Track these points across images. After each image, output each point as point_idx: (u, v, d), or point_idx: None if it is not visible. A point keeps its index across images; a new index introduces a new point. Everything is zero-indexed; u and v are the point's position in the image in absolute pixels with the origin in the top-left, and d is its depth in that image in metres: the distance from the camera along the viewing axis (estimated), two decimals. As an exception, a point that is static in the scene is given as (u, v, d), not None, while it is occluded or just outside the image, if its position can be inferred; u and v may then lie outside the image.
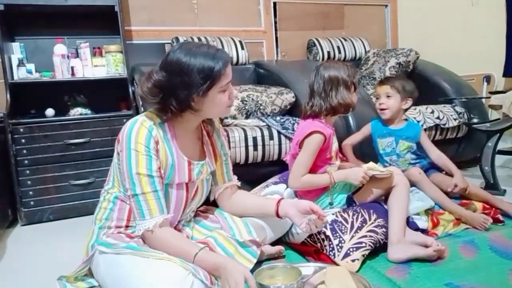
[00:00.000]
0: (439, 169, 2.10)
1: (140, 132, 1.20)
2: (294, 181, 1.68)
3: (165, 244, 1.21)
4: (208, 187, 1.47)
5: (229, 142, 2.09)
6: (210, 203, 1.56)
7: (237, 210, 1.48)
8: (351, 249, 1.47)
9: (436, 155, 2.09)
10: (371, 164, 1.74)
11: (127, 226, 1.30)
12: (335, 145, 1.80)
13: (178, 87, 1.19)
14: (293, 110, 2.52)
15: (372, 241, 1.51)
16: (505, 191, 2.28)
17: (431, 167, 2.10)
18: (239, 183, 1.54)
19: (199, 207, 1.53)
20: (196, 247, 1.21)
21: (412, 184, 1.88)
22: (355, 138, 2.19)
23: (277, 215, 1.41)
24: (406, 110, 2.13)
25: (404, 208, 1.58)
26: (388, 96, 2.06)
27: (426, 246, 1.48)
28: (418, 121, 2.51)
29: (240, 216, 1.47)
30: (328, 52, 3.29)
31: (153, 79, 1.20)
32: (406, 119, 2.18)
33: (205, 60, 1.19)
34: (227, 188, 1.49)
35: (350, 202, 1.68)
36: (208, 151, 1.43)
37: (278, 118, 2.39)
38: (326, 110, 1.71)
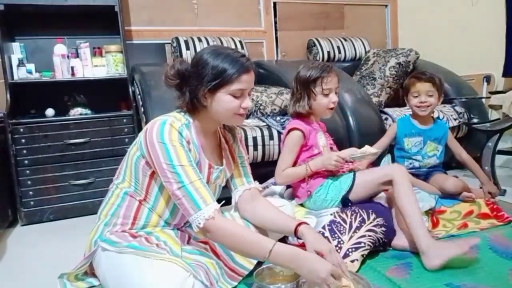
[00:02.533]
0: (440, 170, 2.10)
1: (171, 132, 1.20)
2: (277, 176, 1.76)
3: (234, 235, 1.17)
4: (219, 194, 1.46)
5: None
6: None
7: (254, 221, 1.43)
8: (350, 250, 1.47)
9: (464, 158, 2.10)
10: (351, 149, 1.71)
11: (133, 223, 1.29)
12: (321, 141, 1.80)
13: (191, 76, 1.25)
14: (293, 110, 2.52)
15: (371, 240, 1.51)
16: (505, 191, 2.28)
17: (434, 170, 2.10)
18: (259, 187, 1.51)
19: None
20: (269, 241, 1.17)
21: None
22: (383, 142, 2.11)
23: (296, 235, 1.34)
24: None
25: (416, 205, 1.50)
26: (429, 94, 2.01)
27: None
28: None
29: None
30: (328, 52, 3.29)
31: (177, 67, 1.26)
32: (433, 117, 2.15)
33: (222, 61, 1.22)
34: (246, 191, 1.45)
35: (346, 203, 1.68)
36: (227, 157, 1.43)
37: (278, 118, 2.39)
38: (295, 112, 1.77)
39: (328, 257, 1.19)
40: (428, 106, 2.02)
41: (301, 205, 1.80)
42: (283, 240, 1.62)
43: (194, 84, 1.24)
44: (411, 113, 2.14)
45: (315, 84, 1.71)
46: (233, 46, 2.95)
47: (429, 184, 2.04)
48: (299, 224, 1.31)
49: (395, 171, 1.58)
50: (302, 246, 1.55)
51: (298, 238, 1.32)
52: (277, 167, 1.75)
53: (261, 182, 1.99)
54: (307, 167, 1.70)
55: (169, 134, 1.19)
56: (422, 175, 2.09)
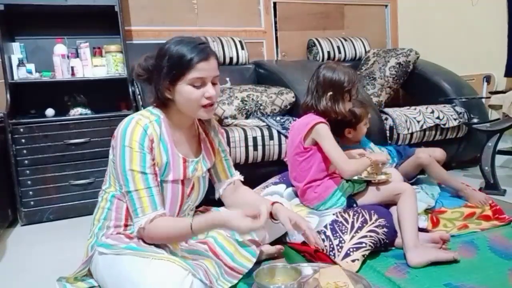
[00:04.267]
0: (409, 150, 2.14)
1: (135, 130, 1.20)
2: (348, 165, 1.62)
3: (159, 233, 1.20)
4: (205, 185, 1.45)
5: (229, 142, 2.09)
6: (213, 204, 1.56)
7: (237, 207, 1.44)
8: (351, 249, 1.47)
9: None
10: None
11: (126, 225, 1.30)
12: None
13: (153, 70, 1.26)
14: (293, 110, 2.52)
15: (373, 241, 1.51)
16: (505, 191, 2.28)
17: (404, 149, 2.13)
18: (241, 178, 1.53)
19: (198, 206, 1.53)
20: (187, 220, 1.21)
21: (421, 168, 2.02)
22: None
23: (271, 216, 1.36)
24: None
25: (415, 214, 1.57)
26: None
27: (433, 242, 1.54)
28: (418, 121, 2.52)
29: None
30: (328, 52, 3.29)
31: (142, 64, 1.28)
32: None
33: (180, 49, 1.20)
34: (230, 184, 1.49)
35: (350, 203, 1.68)
36: (207, 149, 1.43)
37: (278, 118, 2.39)
38: (316, 110, 1.73)
39: (299, 222, 1.29)
40: None
41: (308, 207, 1.78)
42: (281, 240, 1.63)
43: (156, 78, 1.24)
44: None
45: (341, 92, 1.71)
46: (233, 46, 2.95)
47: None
48: (272, 205, 1.35)
49: (406, 186, 1.65)
50: (303, 246, 1.56)
51: (273, 219, 1.35)
52: (336, 159, 1.62)
53: (261, 182, 2.00)
54: (369, 157, 1.67)
55: (131, 134, 1.19)
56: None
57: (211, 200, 1.54)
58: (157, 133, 1.24)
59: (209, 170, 1.46)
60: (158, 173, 1.25)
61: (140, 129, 1.20)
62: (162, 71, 1.21)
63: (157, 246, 1.23)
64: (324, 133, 1.66)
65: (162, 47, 1.24)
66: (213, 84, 1.25)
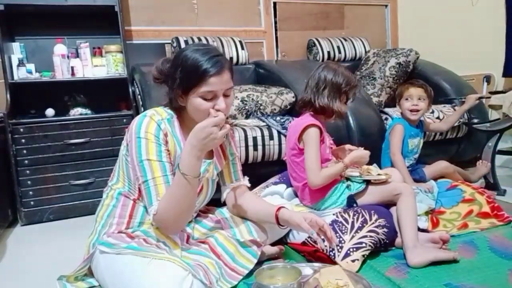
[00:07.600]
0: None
1: (149, 124, 1.22)
2: (316, 178, 1.64)
3: (168, 208, 1.17)
4: (213, 189, 1.46)
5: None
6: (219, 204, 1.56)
7: (240, 214, 1.46)
8: (351, 249, 1.47)
9: (448, 122, 2.43)
10: (366, 166, 1.75)
11: (128, 223, 1.30)
12: (328, 140, 1.80)
13: (168, 76, 1.27)
14: (293, 110, 2.52)
15: (373, 241, 1.51)
16: (505, 191, 2.28)
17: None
18: (248, 184, 1.51)
19: None
20: (176, 176, 1.18)
21: (442, 176, 2.13)
22: (399, 145, 2.08)
23: (278, 223, 1.37)
24: None
25: (414, 214, 1.57)
26: (420, 99, 2.11)
27: (433, 242, 1.54)
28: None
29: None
30: (328, 52, 3.29)
31: (159, 67, 1.29)
32: None
33: (194, 60, 1.20)
34: (234, 189, 1.47)
35: (351, 203, 1.68)
36: (217, 152, 1.43)
37: (278, 118, 2.39)
38: (313, 107, 1.74)
39: (316, 219, 1.28)
40: (418, 110, 2.11)
41: (308, 206, 1.78)
42: (281, 240, 1.63)
43: (170, 85, 1.26)
44: (400, 117, 2.23)
45: (339, 93, 1.72)
46: (233, 46, 2.95)
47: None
48: (278, 210, 1.35)
49: (405, 186, 1.66)
50: (303, 246, 1.56)
51: (280, 224, 1.35)
52: (310, 168, 1.65)
53: (261, 182, 2.00)
54: (343, 162, 1.68)
55: (146, 127, 1.21)
56: (419, 173, 2.13)
57: (214, 200, 1.54)
58: (169, 130, 1.27)
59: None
60: (173, 164, 1.26)
61: (154, 124, 1.22)
62: (176, 81, 1.22)
63: (158, 246, 1.23)
64: (311, 138, 1.67)
65: (179, 54, 1.25)
66: (226, 96, 1.24)
